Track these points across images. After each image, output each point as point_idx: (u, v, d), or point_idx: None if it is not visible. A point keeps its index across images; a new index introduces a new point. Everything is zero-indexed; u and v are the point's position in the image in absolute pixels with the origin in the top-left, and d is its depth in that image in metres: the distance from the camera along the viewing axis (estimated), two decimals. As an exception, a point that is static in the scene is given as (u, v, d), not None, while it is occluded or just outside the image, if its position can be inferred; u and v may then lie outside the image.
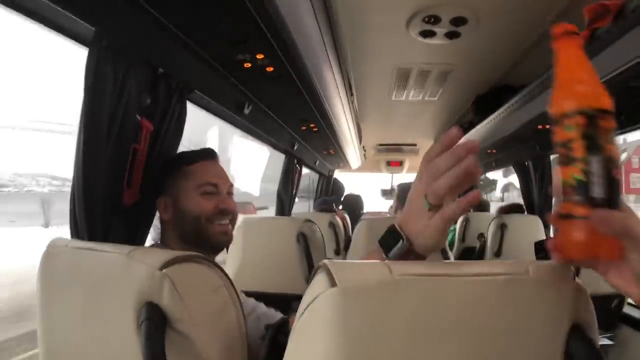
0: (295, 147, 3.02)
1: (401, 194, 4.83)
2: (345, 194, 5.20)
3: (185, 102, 1.34)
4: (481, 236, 3.42)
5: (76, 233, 1.06)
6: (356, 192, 5.17)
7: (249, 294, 1.83)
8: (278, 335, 0.82)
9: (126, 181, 1.15)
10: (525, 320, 0.48)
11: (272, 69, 1.48)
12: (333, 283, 0.47)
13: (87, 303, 0.77)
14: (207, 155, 1.26)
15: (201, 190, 1.18)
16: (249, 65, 1.43)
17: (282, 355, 0.52)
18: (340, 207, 4.69)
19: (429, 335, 0.47)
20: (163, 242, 1.19)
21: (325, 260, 0.51)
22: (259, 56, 1.35)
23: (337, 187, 5.16)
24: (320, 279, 0.50)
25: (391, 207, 2.25)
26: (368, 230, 1.80)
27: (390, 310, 0.47)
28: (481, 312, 0.48)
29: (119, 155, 1.10)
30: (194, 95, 1.44)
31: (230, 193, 1.24)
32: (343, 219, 3.63)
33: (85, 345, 0.79)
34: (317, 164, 4.09)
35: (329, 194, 4.96)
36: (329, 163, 4.39)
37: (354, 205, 4.76)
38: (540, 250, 2.12)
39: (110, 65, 1.01)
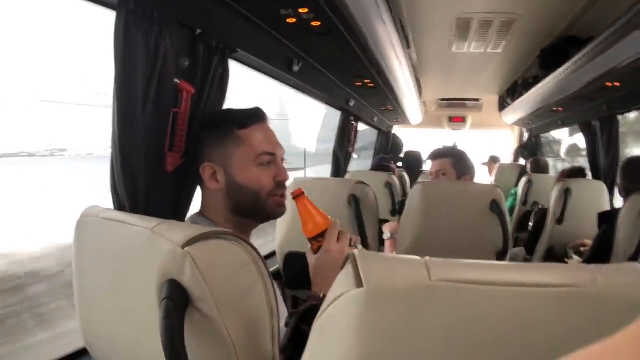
0: (351, 104, 2.93)
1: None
2: (404, 150, 5.04)
3: (227, 62, 1.29)
4: (535, 204, 3.20)
5: (117, 201, 1.06)
6: (416, 149, 4.97)
7: (296, 254, 1.86)
8: (301, 324, 0.78)
9: (168, 146, 1.13)
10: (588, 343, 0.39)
11: (318, 23, 1.40)
12: (359, 282, 0.41)
13: (115, 275, 0.76)
14: (260, 117, 1.14)
15: (258, 161, 1.08)
16: (293, 20, 1.35)
17: (304, 346, 0.47)
18: (399, 164, 4.55)
19: (467, 353, 0.39)
20: (204, 212, 1.13)
21: (355, 251, 0.45)
22: (302, 10, 1.26)
23: (396, 143, 5.00)
24: (346, 275, 0.43)
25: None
26: (423, 194, 1.71)
27: (423, 319, 0.40)
28: (532, 330, 0.39)
29: (157, 120, 1.08)
30: (238, 54, 1.39)
31: (283, 160, 1.17)
32: (401, 177, 3.51)
33: (114, 317, 0.78)
34: (374, 120, 3.97)
35: (388, 151, 4.83)
36: (387, 119, 4.26)
37: (413, 163, 4.59)
38: (604, 220, 1.95)
39: (139, 29, 0.96)
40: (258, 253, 0.67)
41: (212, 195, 1.10)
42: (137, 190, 1.06)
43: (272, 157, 1.10)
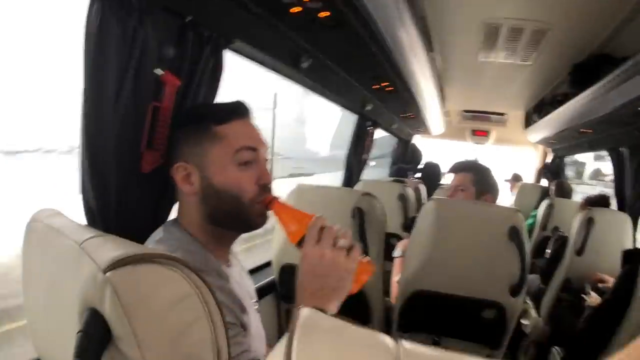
0: (368, 108, 2.79)
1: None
2: (424, 161, 4.85)
3: (221, 54, 1.17)
4: (556, 230, 3.01)
5: (86, 203, 0.95)
6: (436, 161, 4.78)
7: (292, 267, 1.71)
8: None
9: (145, 144, 1.02)
10: None
11: (327, 14, 1.27)
12: None
13: (48, 293, 0.64)
14: (241, 111, 0.99)
15: (237, 159, 0.93)
16: (298, 9, 1.23)
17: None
18: (418, 175, 4.38)
19: None
20: (180, 220, 0.99)
21: (300, 320, 0.33)
22: (308, -1, 1.13)
23: (416, 154, 4.83)
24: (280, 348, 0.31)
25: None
26: (436, 213, 1.55)
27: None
28: None
29: (132, 115, 0.96)
30: (237, 45, 1.27)
31: (267, 160, 1.01)
32: (417, 190, 3.35)
33: (49, 337, 0.67)
34: (394, 127, 3.82)
35: (408, 161, 4.67)
36: (407, 127, 4.09)
37: (431, 175, 4.41)
38: (629, 260, 1.77)
39: (115, 14, 0.85)
40: (204, 281, 0.54)
41: (187, 201, 0.96)
42: (106, 192, 0.95)
43: (253, 154, 0.95)
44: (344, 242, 0.87)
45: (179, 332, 0.51)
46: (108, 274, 0.48)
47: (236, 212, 0.94)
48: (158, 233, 0.95)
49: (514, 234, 1.47)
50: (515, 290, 1.50)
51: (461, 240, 1.52)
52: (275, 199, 0.94)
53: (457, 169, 1.95)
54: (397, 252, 2.01)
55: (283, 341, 0.31)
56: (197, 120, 0.96)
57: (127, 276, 0.49)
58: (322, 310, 0.71)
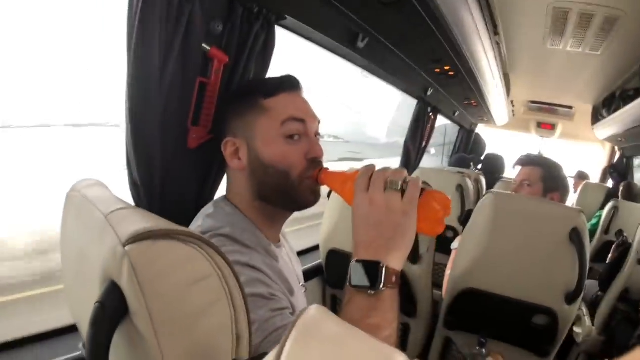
0: (429, 93, 2.68)
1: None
2: (485, 152, 4.64)
3: (273, 30, 1.14)
4: (620, 233, 2.76)
5: (130, 177, 0.96)
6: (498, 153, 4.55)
7: (339, 253, 1.70)
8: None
9: (192, 120, 1.01)
10: None
11: (385, -9, 1.20)
12: None
13: (78, 263, 0.64)
14: (291, 84, 0.94)
15: (285, 131, 0.88)
16: (355, -16, 1.17)
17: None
18: (479, 166, 4.20)
19: None
20: (229, 196, 0.96)
21: (305, 314, 0.31)
22: (363, -27, 1.08)
23: (478, 143, 4.63)
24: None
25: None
26: (493, 208, 1.45)
27: None
28: None
29: (178, 90, 0.95)
30: (289, 22, 1.23)
31: (317, 134, 0.95)
32: (477, 182, 3.21)
33: (80, 306, 0.68)
34: (456, 114, 3.67)
35: (469, 151, 4.48)
36: (470, 115, 3.93)
37: (493, 167, 4.19)
38: None
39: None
40: (227, 261, 0.51)
41: (236, 177, 0.94)
42: (151, 167, 0.95)
43: (302, 126, 0.90)
44: (395, 180, 0.72)
45: (196, 313, 0.48)
46: (127, 247, 0.46)
47: (284, 188, 0.89)
48: (208, 208, 0.94)
49: (576, 237, 1.35)
50: (571, 298, 1.38)
51: (518, 238, 1.42)
52: (323, 169, 0.87)
53: (526, 162, 1.81)
54: (455, 244, 1.92)
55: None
56: (245, 95, 0.94)
57: (145, 251, 0.47)
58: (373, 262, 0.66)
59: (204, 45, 0.98)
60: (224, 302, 0.50)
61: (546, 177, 1.73)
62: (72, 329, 1.09)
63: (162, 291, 0.47)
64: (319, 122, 0.95)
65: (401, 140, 2.99)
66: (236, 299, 0.51)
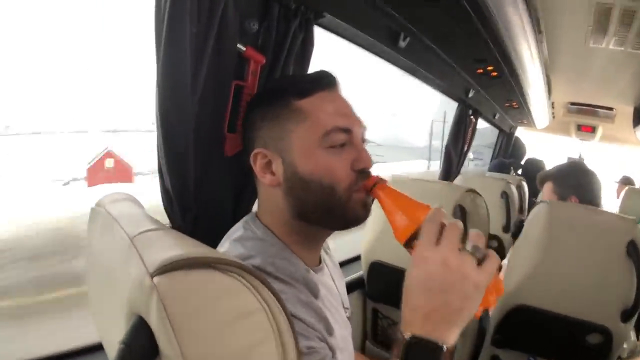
0: (470, 94, 2.58)
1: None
2: (526, 157, 4.45)
3: (312, 29, 1.07)
4: None
5: (163, 187, 0.90)
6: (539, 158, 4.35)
7: (382, 265, 1.60)
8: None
9: (227, 126, 0.94)
10: None
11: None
12: None
13: (103, 285, 0.57)
14: (327, 82, 0.81)
15: (327, 142, 0.75)
16: (397, -19, 1.09)
17: None
18: (519, 171, 4.02)
19: None
20: (259, 214, 0.84)
21: None
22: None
23: (518, 147, 4.45)
24: None
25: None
26: (549, 217, 1.33)
27: None
28: None
29: (213, 93, 0.89)
30: (327, 20, 1.16)
31: (364, 140, 0.82)
32: (519, 187, 3.05)
33: (103, 324, 0.61)
34: (496, 117, 3.53)
35: (508, 155, 4.31)
36: (510, 118, 3.78)
37: (535, 173, 4.00)
38: None
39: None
40: (275, 294, 0.43)
41: (269, 193, 0.81)
42: (184, 177, 0.88)
43: (347, 135, 0.77)
44: (477, 246, 0.61)
45: (239, 356, 0.40)
46: (155, 279, 0.39)
47: (329, 205, 0.76)
48: (237, 230, 0.82)
49: (633, 250, 1.23)
50: (627, 315, 1.26)
51: (572, 251, 1.30)
52: (380, 181, 0.74)
53: (539, 181, 1.82)
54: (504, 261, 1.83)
55: None
56: (275, 96, 0.81)
57: (177, 283, 0.39)
58: (433, 343, 0.57)
59: (239, 45, 0.92)
60: (271, 342, 0.42)
61: (556, 189, 1.69)
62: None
63: (198, 330, 0.39)
64: (365, 128, 0.82)
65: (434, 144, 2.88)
66: (285, 338, 0.43)
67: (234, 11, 0.87)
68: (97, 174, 22.24)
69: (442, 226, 0.62)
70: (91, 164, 22.84)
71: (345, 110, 0.80)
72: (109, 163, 23.04)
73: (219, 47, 0.86)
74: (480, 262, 0.60)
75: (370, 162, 0.78)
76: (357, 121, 0.80)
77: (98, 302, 0.63)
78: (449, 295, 0.59)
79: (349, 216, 0.78)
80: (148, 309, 0.39)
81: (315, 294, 0.77)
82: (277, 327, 0.42)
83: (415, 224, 0.65)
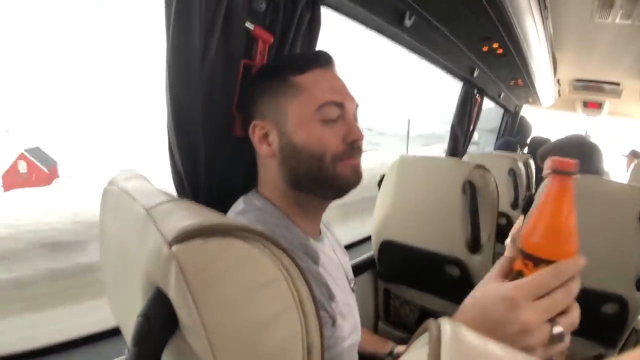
0: (475, 74, 2.55)
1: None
2: (532, 135, 4.42)
3: (319, 9, 1.06)
4: None
5: (174, 166, 0.90)
6: (545, 136, 4.32)
7: (393, 244, 1.61)
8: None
9: (236, 105, 0.93)
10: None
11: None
12: None
13: (119, 262, 0.57)
14: (323, 60, 0.86)
15: (322, 116, 0.81)
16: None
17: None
18: (525, 150, 4.00)
19: None
20: (260, 188, 0.89)
21: (441, 324, 0.26)
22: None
23: (524, 126, 4.42)
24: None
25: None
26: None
27: None
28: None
29: (222, 73, 0.88)
30: (334, 0, 1.14)
31: (356, 118, 0.87)
32: (527, 165, 3.05)
33: (121, 310, 0.62)
34: (501, 96, 3.49)
35: (514, 134, 4.28)
36: (515, 97, 3.75)
37: (541, 150, 3.98)
38: None
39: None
40: (296, 263, 0.43)
41: (267, 164, 0.86)
42: (194, 156, 0.88)
43: (339, 110, 0.82)
44: (563, 335, 0.50)
45: (260, 325, 0.40)
46: (174, 247, 0.38)
47: (319, 173, 0.81)
48: (238, 204, 0.86)
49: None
50: None
51: (585, 223, 1.27)
52: (571, 173, 0.52)
53: (546, 155, 1.72)
54: (514, 230, 1.81)
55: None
56: (273, 72, 0.86)
57: (197, 252, 0.39)
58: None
59: (247, 24, 0.91)
60: (293, 311, 0.42)
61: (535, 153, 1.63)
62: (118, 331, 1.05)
63: (219, 300, 0.39)
64: (357, 106, 0.87)
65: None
66: (307, 306, 0.43)
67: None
68: (11, 178, 21.19)
69: (562, 284, 0.51)
70: (6, 168, 21.64)
71: (339, 87, 0.85)
72: (22, 167, 21.72)
73: (227, 26, 0.86)
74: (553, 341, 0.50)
75: (361, 136, 0.83)
76: (350, 98, 0.85)
77: (114, 283, 0.63)
78: (494, 333, 0.51)
79: (339, 181, 0.82)
80: (167, 279, 0.39)
81: (315, 260, 0.81)
82: (298, 296, 0.42)
83: (558, 253, 0.51)
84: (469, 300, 0.56)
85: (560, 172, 0.52)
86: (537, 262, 0.51)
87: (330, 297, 0.80)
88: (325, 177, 0.81)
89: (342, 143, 0.81)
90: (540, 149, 1.83)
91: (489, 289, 0.54)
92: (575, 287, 0.51)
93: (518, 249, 0.54)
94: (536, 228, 0.52)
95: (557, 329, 0.50)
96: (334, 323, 0.78)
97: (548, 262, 0.50)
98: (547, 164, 1.66)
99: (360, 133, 0.83)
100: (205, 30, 0.83)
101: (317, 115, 0.81)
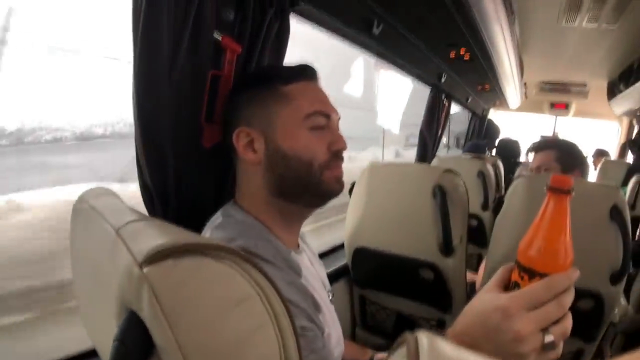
0: (443, 79, 2.59)
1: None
2: (500, 137, 4.55)
3: (287, 18, 1.06)
4: None
5: (142, 181, 0.88)
6: (513, 138, 4.44)
7: (366, 250, 1.62)
8: None
9: (205, 116, 0.92)
10: None
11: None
12: None
13: (91, 283, 0.56)
14: (309, 73, 0.88)
15: (310, 124, 0.83)
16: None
17: None
18: (494, 152, 4.10)
19: None
20: (238, 200, 0.88)
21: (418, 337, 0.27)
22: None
23: (492, 129, 4.54)
24: None
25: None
26: (527, 192, 1.37)
27: None
28: None
29: (190, 84, 0.87)
30: (302, 8, 1.15)
31: (338, 128, 0.90)
32: (495, 167, 3.12)
33: (94, 325, 0.60)
34: (469, 100, 3.57)
35: (482, 137, 4.39)
36: (483, 100, 3.84)
37: (509, 152, 4.09)
38: None
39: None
40: (268, 278, 0.42)
41: (249, 173, 0.86)
42: (164, 170, 0.87)
43: (326, 120, 0.85)
44: (554, 343, 0.53)
45: (237, 343, 0.39)
46: (145, 269, 0.38)
47: (306, 180, 0.82)
48: (217, 217, 0.85)
49: (617, 214, 1.28)
50: (616, 278, 1.31)
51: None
52: (569, 191, 0.56)
53: (538, 147, 1.73)
54: None
55: None
56: (262, 81, 0.87)
57: (168, 272, 0.38)
58: None
59: (215, 34, 0.90)
60: (269, 327, 0.41)
61: (561, 158, 1.65)
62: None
63: (193, 320, 0.38)
64: (339, 117, 0.90)
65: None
66: (282, 322, 0.42)
67: (211, 0, 0.85)
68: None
69: (554, 297, 0.53)
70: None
71: (324, 98, 0.88)
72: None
73: (195, 36, 0.85)
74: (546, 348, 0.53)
75: (345, 145, 0.86)
76: (334, 110, 0.88)
77: (88, 304, 0.61)
78: (488, 344, 0.54)
79: (323, 189, 0.84)
80: (140, 302, 0.38)
81: (298, 272, 0.82)
82: (272, 311, 0.42)
83: (553, 266, 0.54)
84: (468, 308, 0.58)
85: (557, 190, 0.55)
86: (533, 274, 0.54)
87: (317, 308, 0.80)
88: (312, 184, 0.82)
89: (327, 151, 0.83)
90: (536, 142, 1.84)
91: (486, 298, 0.56)
92: (568, 299, 0.54)
93: (515, 261, 0.56)
94: (532, 242, 0.54)
95: (549, 338, 0.53)
96: (323, 333, 0.78)
97: (543, 275, 0.53)
98: (541, 157, 1.68)
99: (344, 143, 0.85)
100: (173, 40, 0.82)
101: (306, 123, 0.82)
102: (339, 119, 0.89)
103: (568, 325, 0.55)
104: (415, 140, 2.92)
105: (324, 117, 0.84)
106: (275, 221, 0.85)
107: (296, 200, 0.85)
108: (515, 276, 0.56)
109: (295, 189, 0.83)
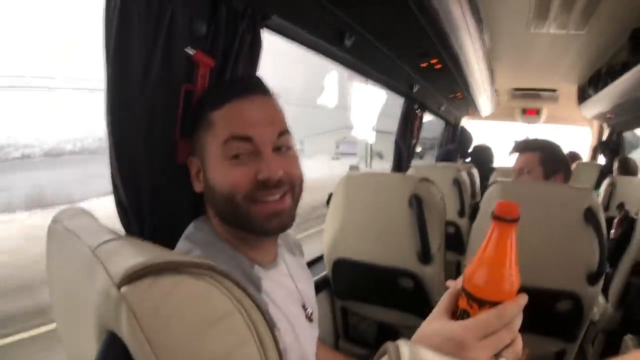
0: (415, 89, 2.63)
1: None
2: (473, 144, 4.62)
3: (259, 31, 1.06)
4: (621, 207, 2.70)
5: (117, 198, 0.87)
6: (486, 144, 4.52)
7: (346, 261, 1.61)
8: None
9: (179, 132, 0.91)
10: None
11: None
12: None
13: (67, 304, 0.55)
14: (241, 89, 0.80)
15: (227, 152, 0.76)
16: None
17: None
18: (468, 159, 4.17)
19: None
20: (211, 217, 0.85)
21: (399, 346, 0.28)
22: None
23: (464, 136, 4.61)
24: None
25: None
26: (502, 197, 1.41)
27: None
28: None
29: (163, 99, 0.86)
30: (274, 21, 1.15)
31: (281, 147, 0.80)
32: (470, 174, 3.17)
33: (72, 346, 0.58)
34: (442, 109, 3.63)
35: (455, 145, 4.46)
36: (455, 109, 3.89)
37: (483, 159, 4.16)
38: None
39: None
40: (248, 294, 0.42)
41: (205, 199, 0.86)
42: (138, 187, 0.86)
43: (246, 144, 0.76)
44: (509, 358, 0.54)
45: (221, 355, 0.39)
46: (123, 289, 0.37)
47: (233, 215, 0.78)
48: (189, 228, 0.85)
49: (591, 216, 1.33)
50: (593, 278, 1.35)
51: (533, 225, 1.36)
52: (515, 221, 0.54)
53: (522, 147, 1.73)
54: None
55: None
56: (198, 108, 0.85)
57: (147, 292, 0.37)
58: None
59: (187, 48, 0.89)
60: (251, 344, 0.41)
61: (545, 160, 1.66)
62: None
63: (174, 340, 0.37)
64: (283, 132, 0.80)
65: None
66: (264, 338, 0.42)
67: (182, 14, 0.85)
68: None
69: (505, 325, 0.53)
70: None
71: (249, 117, 0.78)
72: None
73: (168, 50, 0.84)
74: None
75: (273, 172, 0.76)
76: (264, 127, 0.78)
77: (66, 327, 0.60)
78: None
79: (254, 226, 0.78)
80: (119, 322, 0.37)
81: (258, 287, 0.78)
82: (254, 327, 0.41)
83: (501, 295, 0.53)
84: (418, 336, 0.57)
85: (502, 220, 0.53)
86: (482, 303, 0.53)
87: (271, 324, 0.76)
88: (239, 219, 0.78)
89: (251, 182, 0.76)
90: (519, 142, 1.84)
91: (437, 328, 0.56)
92: (517, 323, 0.54)
93: (462, 288, 0.55)
94: (478, 272, 0.53)
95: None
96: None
97: (492, 304, 0.53)
98: (525, 159, 1.67)
99: (274, 170, 0.76)
100: (145, 55, 0.81)
101: (225, 153, 0.77)
102: (282, 133, 0.80)
103: (519, 348, 0.55)
104: (347, 147, 2.93)
105: (242, 141, 0.76)
106: (235, 240, 0.82)
107: (240, 229, 0.81)
108: (463, 304, 0.55)
109: (230, 221, 0.80)
